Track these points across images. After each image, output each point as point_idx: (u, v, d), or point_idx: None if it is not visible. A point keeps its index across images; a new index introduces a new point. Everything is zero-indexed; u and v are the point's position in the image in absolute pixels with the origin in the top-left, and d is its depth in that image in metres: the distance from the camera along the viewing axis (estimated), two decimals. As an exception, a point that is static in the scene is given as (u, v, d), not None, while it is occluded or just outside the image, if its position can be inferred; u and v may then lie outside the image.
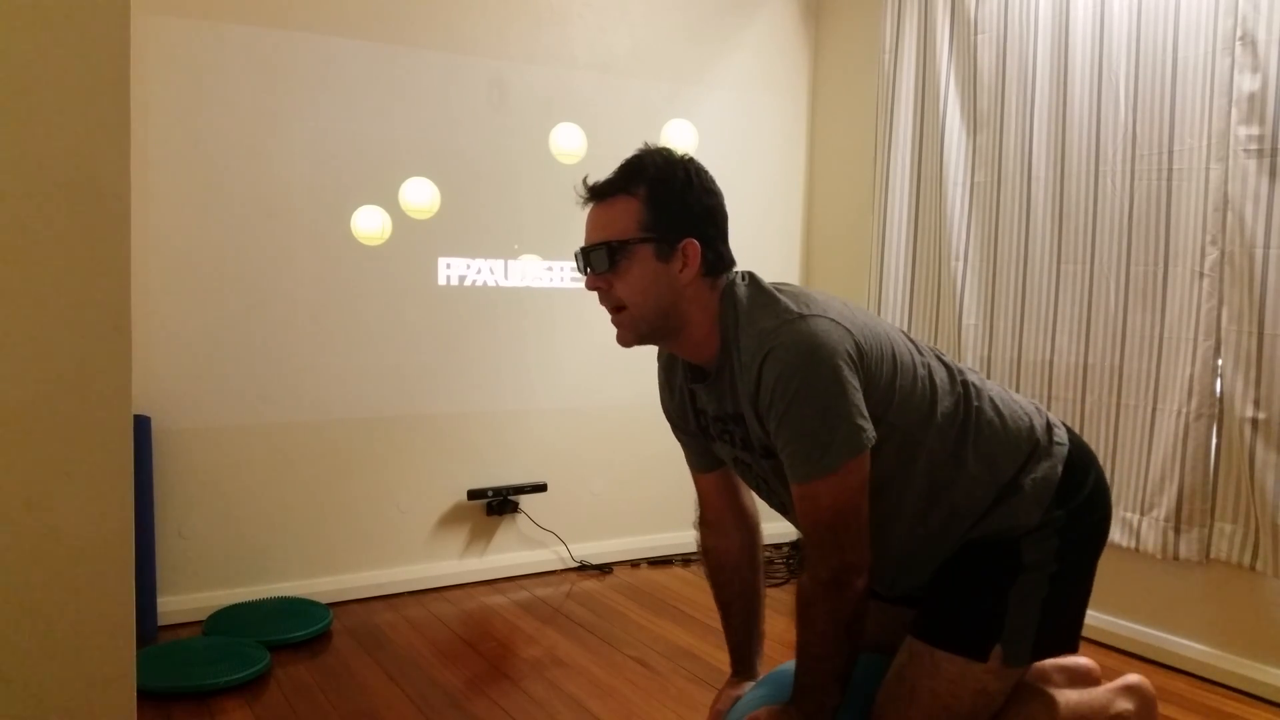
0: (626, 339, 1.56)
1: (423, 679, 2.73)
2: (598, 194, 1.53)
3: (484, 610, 3.34)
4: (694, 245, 1.51)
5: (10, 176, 1.65)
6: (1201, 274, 2.77)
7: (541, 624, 3.20)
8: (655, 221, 1.49)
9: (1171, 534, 2.85)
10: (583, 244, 1.54)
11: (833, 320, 1.43)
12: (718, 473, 1.74)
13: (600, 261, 1.49)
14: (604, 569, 3.79)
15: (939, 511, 1.55)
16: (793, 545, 4.15)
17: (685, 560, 3.95)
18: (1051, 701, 1.64)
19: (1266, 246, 2.62)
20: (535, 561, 3.75)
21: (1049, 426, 1.62)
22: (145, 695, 2.35)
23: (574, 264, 1.60)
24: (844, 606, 1.44)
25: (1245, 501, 2.70)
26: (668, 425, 1.81)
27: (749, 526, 1.77)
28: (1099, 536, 1.62)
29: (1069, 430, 1.67)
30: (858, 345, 1.44)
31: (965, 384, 1.58)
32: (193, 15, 3.07)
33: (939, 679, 1.51)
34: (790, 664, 1.63)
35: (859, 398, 1.41)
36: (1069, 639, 1.60)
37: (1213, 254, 2.75)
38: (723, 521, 1.75)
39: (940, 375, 1.55)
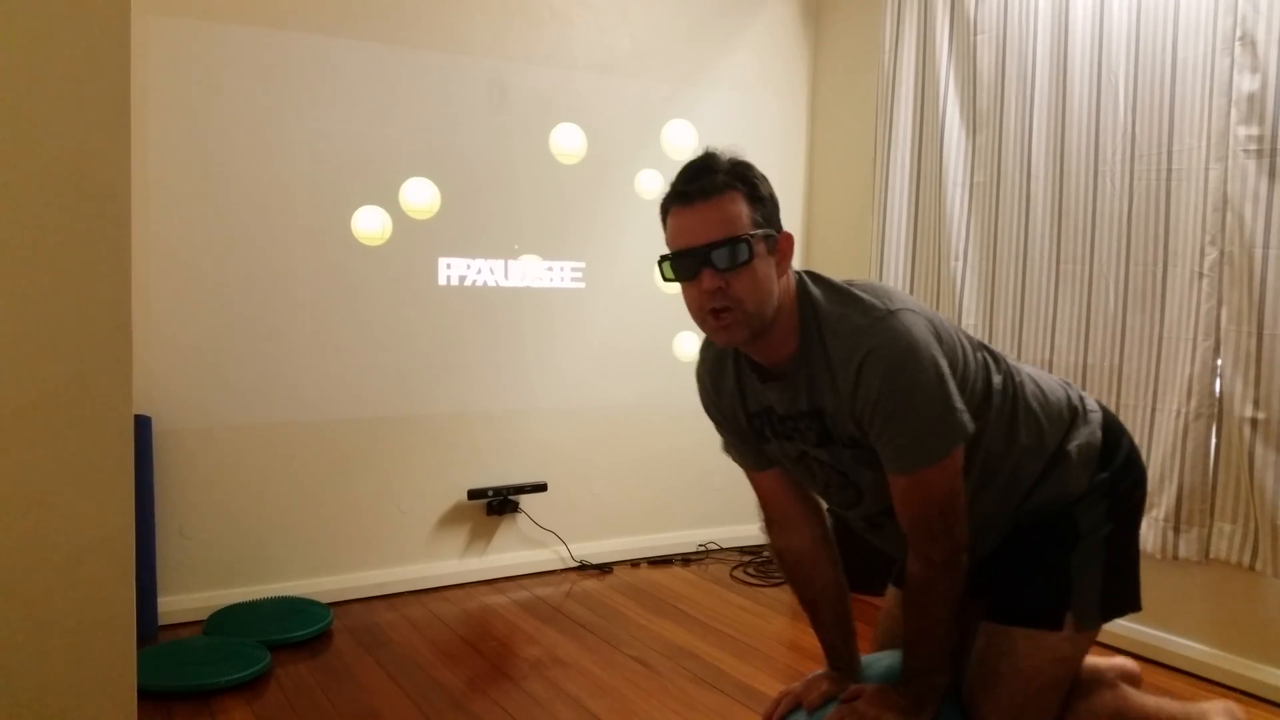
0: (738, 336, 1.49)
1: (423, 678, 2.74)
2: (709, 191, 1.46)
3: (484, 610, 3.34)
4: (790, 238, 1.52)
5: (10, 176, 1.65)
6: (1201, 274, 2.77)
7: (542, 623, 3.20)
8: (763, 217, 1.48)
9: (1171, 534, 2.85)
10: (689, 244, 1.46)
11: (914, 312, 1.48)
12: (775, 470, 1.71)
13: (731, 257, 1.43)
14: (604, 569, 3.80)
15: (996, 485, 1.60)
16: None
17: (685, 560, 3.95)
18: (1122, 694, 1.70)
19: (1266, 246, 2.62)
20: (535, 561, 3.75)
21: (1080, 397, 1.70)
22: (145, 695, 2.35)
23: (661, 273, 1.50)
24: (956, 586, 1.50)
25: (1244, 501, 2.70)
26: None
27: (818, 518, 1.72)
28: (1141, 494, 1.70)
29: (1095, 400, 1.75)
30: (937, 334, 1.49)
31: (1005, 363, 1.65)
32: (193, 15, 3.07)
33: (1018, 655, 1.56)
34: (869, 657, 1.69)
35: (954, 386, 1.47)
36: (1132, 597, 1.67)
37: (1212, 254, 2.75)
38: (789, 518, 1.71)
39: (985, 357, 1.61)
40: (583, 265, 3.80)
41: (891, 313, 1.46)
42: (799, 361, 1.52)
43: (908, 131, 3.68)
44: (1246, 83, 2.64)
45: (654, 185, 3.91)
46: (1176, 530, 2.84)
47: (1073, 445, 1.62)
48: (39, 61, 1.66)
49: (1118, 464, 1.65)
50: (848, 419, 1.50)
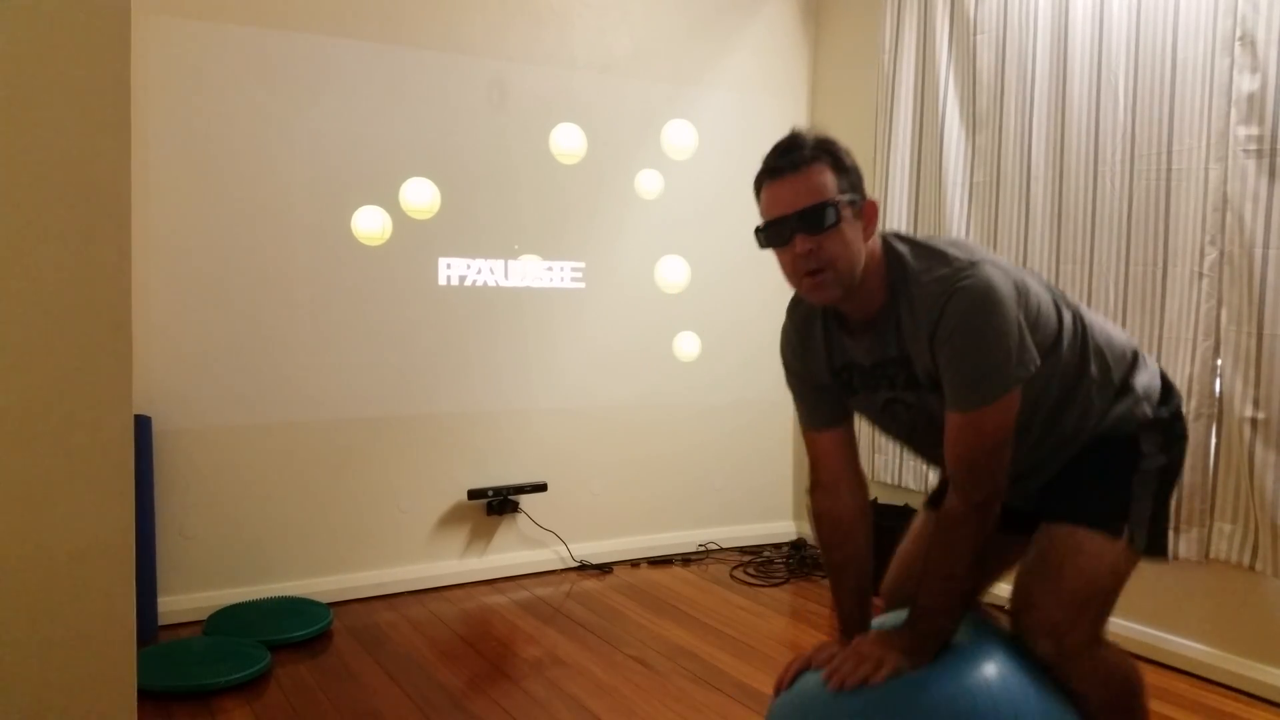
0: (831, 295, 1.61)
1: (423, 678, 2.74)
2: (798, 164, 1.59)
3: (484, 610, 3.34)
4: (875, 205, 1.64)
5: (11, 176, 1.65)
6: (1200, 274, 2.77)
7: (542, 623, 3.20)
8: (848, 185, 1.60)
9: (1171, 534, 2.85)
10: (781, 213, 1.59)
11: (995, 264, 1.60)
12: (837, 431, 1.79)
13: (822, 220, 1.56)
14: (604, 569, 3.80)
15: (1070, 415, 1.71)
16: (793, 545, 4.15)
17: (685, 560, 3.95)
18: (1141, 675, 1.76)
19: (1265, 246, 2.62)
20: (535, 561, 3.75)
21: (1138, 346, 1.83)
22: (146, 695, 2.35)
23: (757, 240, 1.64)
24: (985, 529, 1.57)
25: (1244, 501, 2.70)
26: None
27: (863, 488, 1.80)
28: (1184, 448, 1.81)
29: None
30: (1016, 285, 1.60)
31: (1071, 303, 1.76)
32: (193, 15, 3.07)
33: (1083, 555, 1.64)
34: (877, 620, 1.73)
35: (1026, 333, 1.58)
36: (1165, 542, 1.75)
37: (1212, 254, 2.75)
38: (838, 483, 1.78)
39: (1056, 297, 1.73)
40: (583, 265, 3.80)
41: (974, 264, 1.57)
42: (887, 313, 1.63)
43: (908, 131, 3.68)
44: (1246, 83, 2.64)
45: (654, 185, 3.92)
46: (1176, 530, 2.84)
47: (1137, 382, 1.74)
48: (39, 61, 1.66)
49: (1173, 407, 1.77)
50: (928, 358, 1.60)
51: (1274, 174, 2.61)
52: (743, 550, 4.07)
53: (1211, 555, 2.78)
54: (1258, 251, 2.64)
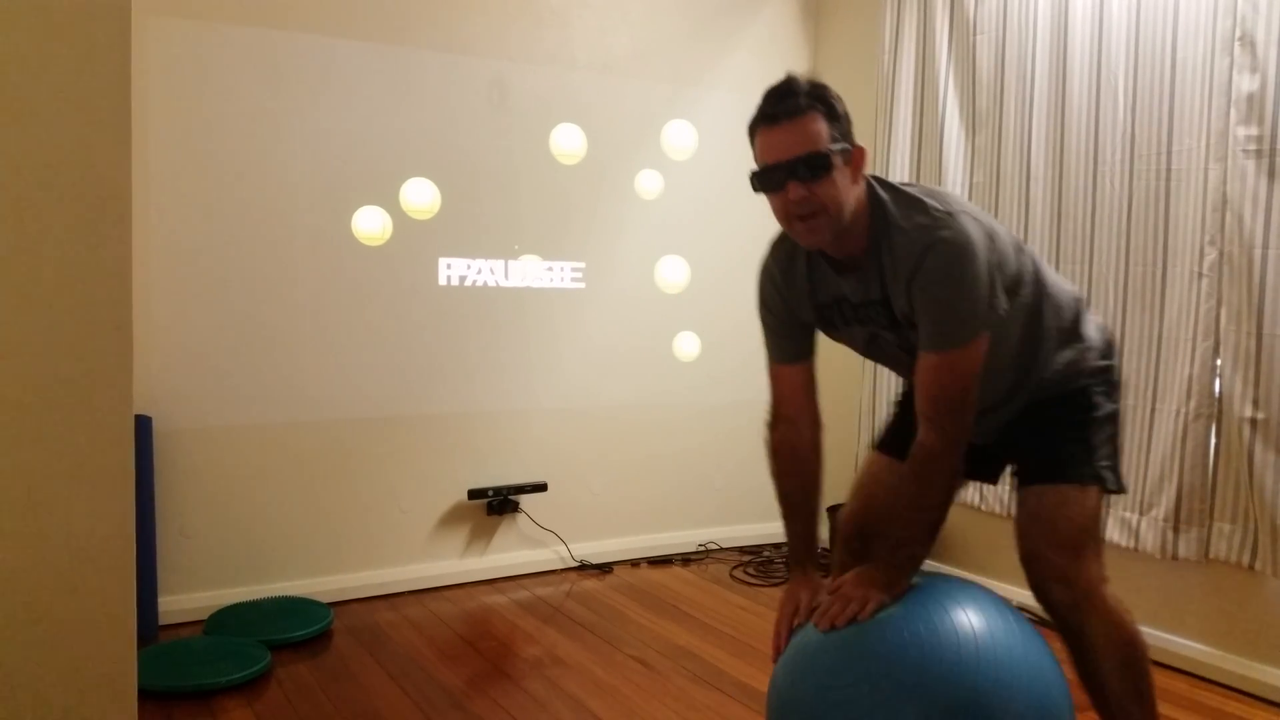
0: (822, 239, 1.69)
1: (423, 678, 2.74)
2: (793, 112, 1.64)
3: (484, 609, 3.34)
4: (863, 151, 1.70)
5: (11, 176, 1.66)
6: (1200, 274, 2.78)
7: (542, 623, 3.20)
8: (840, 133, 1.66)
9: (1170, 534, 2.85)
10: (776, 160, 1.65)
11: (969, 215, 1.68)
12: (804, 365, 1.89)
13: (815, 168, 1.62)
14: (604, 568, 3.80)
15: (1028, 353, 1.84)
16: (792, 545, 4.15)
17: (685, 560, 3.95)
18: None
19: (1265, 246, 2.62)
20: (535, 561, 3.75)
21: (1081, 295, 1.95)
22: (146, 695, 2.36)
23: (751, 185, 1.71)
24: (958, 462, 1.68)
25: (1244, 501, 2.70)
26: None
27: (820, 423, 1.91)
28: (1120, 387, 1.96)
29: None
30: (988, 234, 1.69)
31: (1028, 250, 1.86)
32: (193, 15, 3.07)
33: (1070, 507, 1.78)
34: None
35: (997, 281, 1.68)
36: (1121, 478, 1.88)
37: (1211, 254, 2.75)
38: (800, 417, 1.88)
39: (1015, 243, 1.82)
40: (583, 265, 3.80)
41: (951, 214, 1.65)
42: (871, 255, 1.72)
43: (907, 131, 3.68)
44: (1246, 83, 2.64)
45: (654, 185, 3.92)
46: (1176, 530, 2.84)
47: (1085, 330, 1.88)
48: (39, 61, 1.66)
49: (1114, 358, 1.93)
50: (905, 301, 1.69)
51: (1273, 174, 2.61)
52: (742, 550, 4.08)
53: (1211, 555, 2.78)
54: (1257, 252, 2.64)
